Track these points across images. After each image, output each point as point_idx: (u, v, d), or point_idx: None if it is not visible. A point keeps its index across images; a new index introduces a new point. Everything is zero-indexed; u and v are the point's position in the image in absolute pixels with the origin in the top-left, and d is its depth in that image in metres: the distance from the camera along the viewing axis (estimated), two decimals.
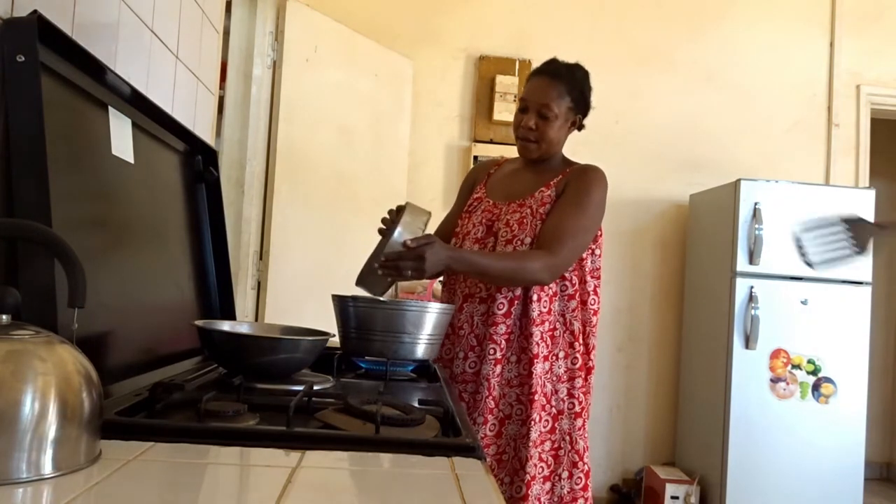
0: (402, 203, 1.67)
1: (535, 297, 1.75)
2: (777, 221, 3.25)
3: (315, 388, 1.12)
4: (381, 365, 1.53)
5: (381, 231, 1.69)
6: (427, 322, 1.53)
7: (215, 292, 1.72)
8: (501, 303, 1.75)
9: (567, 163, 1.89)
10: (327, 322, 1.60)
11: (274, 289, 2.99)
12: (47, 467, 0.66)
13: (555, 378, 1.77)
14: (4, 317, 0.71)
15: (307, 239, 3.09)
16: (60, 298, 0.90)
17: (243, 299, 2.92)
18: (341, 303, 1.56)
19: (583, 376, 1.79)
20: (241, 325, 1.46)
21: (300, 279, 3.03)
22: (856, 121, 3.90)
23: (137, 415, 0.94)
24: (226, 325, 1.39)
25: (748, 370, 3.23)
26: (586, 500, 1.76)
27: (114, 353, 1.14)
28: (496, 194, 1.89)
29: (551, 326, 1.77)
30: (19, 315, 0.74)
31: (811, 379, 3.25)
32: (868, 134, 3.91)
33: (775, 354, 3.25)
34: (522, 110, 1.82)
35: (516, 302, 1.75)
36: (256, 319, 2.97)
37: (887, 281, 4.88)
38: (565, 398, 1.77)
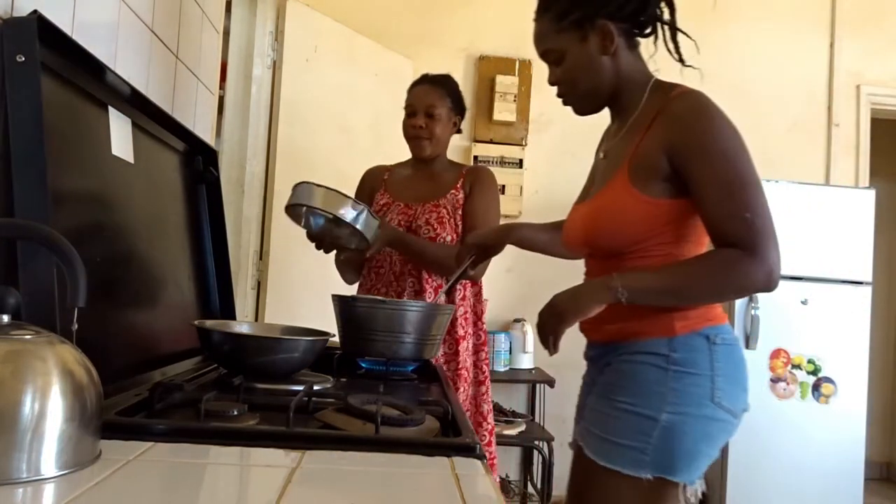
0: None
1: (457, 286, 1.97)
2: (777, 221, 3.24)
3: (315, 388, 1.13)
4: (381, 365, 1.53)
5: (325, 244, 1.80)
6: (427, 322, 1.53)
7: (215, 292, 1.72)
8: (430, 294, 1.95)
9: (456, 165, 2.12)
10: (327, 322, 1.60)
11: (274, 289, 2.99)
12: (47, 467, 0.67)
13: (469, 353, 2.02)
14: (4, 317, 0.71)
15: (307, 239, 3.08)
16: (60, 298, 0.90)
17: (243, 299, 2.92)
18: (341, 303, 1.56)
19: (485, 350, 2.08)
20: (241, 325, 1.46)
21: (300, 279, 3.03)
22: (856, 121, 3.90)
23: (137, 415, 0.94)
24: (226, 325, 1.39)
25: (748, 370, 3.23)
26: (490, 454, 1.98)
27: (114, 353, 1.14)
28: (404, 197, 2.04)
29: (465, 310, 2.00)
30: (19, 315, 0.74)
31: (811, 379, 3.25)
32: (868, 134, 3.91)
33: (775, 354, 3.25)
34: (411, 115, 2.02)
35: (440, 291, 1.96)
36: (256, 319, 2.97)
37: (887, 281, 4.88)
38: (471, 368, 2.03)
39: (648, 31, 1.31)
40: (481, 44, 3.69)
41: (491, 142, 3.66)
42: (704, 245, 1.25)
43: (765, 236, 1.16)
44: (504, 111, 3.61)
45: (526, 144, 3.68)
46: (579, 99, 1.33)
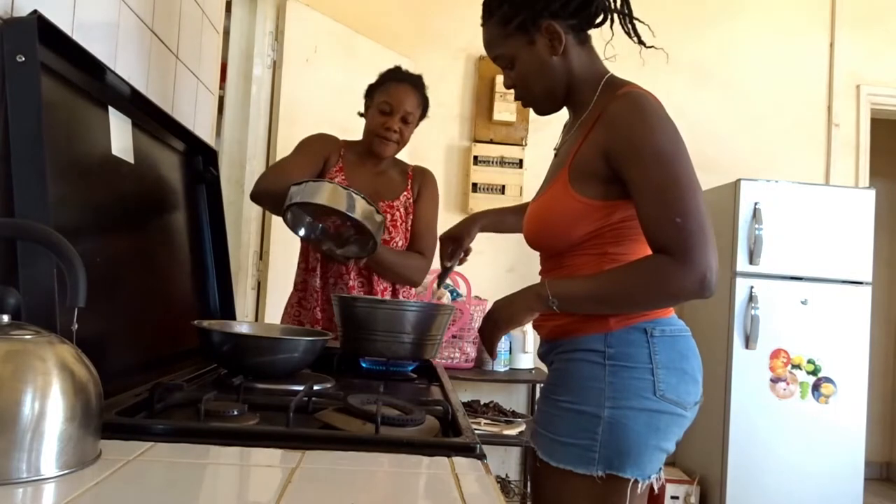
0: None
1: (413, 291, 2.05)
2: (777, 221, 3.25)
3: (315, 388, 1.13)
4: (381, 365, 1.53)
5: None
6: (427, 322, 1.53)
7: (215, 292, 1.72)
8: (378, 293, 1.95)
9: (400, 162, 2.08)
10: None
11: (274, 289, 2.99)
12: (47, 467, 0.66)
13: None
14: (4, 317, 0.71)
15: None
16: (60, 298, 0.90)
17: (243, 299, 2.92)
18: (342, 303, 1.56)
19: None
20: (241, 325, 1.46)
21: None
22: (856, 121, 3.90)
23: (137, 415, 0.94)
24: (226, 325, 1.39)
25: (748, 370, 3.23)
26: None
27: (114, 353, 1.14)
28: (357, 187, 1.94)
29: None
30: (19, 315, 0.74)
31: (811, 379, 3.25)
32: (868, 134, 3.91)
33: (775, 354, 3.25)
34: (386, 112, 1.95)
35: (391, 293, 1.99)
36: (256, 319, 2.97)
37: (887, 281, 4.88)
38: None
39: (599, 21, 1.29)
40: (481, 44, 3.67)
41: (491, 142, 3.66)
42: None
43: (697, 242, 1.11)
44: (504, 111, 3.61)
45: (526, 144, 3.67)
46: (537, 101, 1.33)
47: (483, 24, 1.32)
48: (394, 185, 2.02)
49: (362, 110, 2.06)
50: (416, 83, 2.01)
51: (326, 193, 1.64)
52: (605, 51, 1.31)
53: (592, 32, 1.31)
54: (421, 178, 2.06)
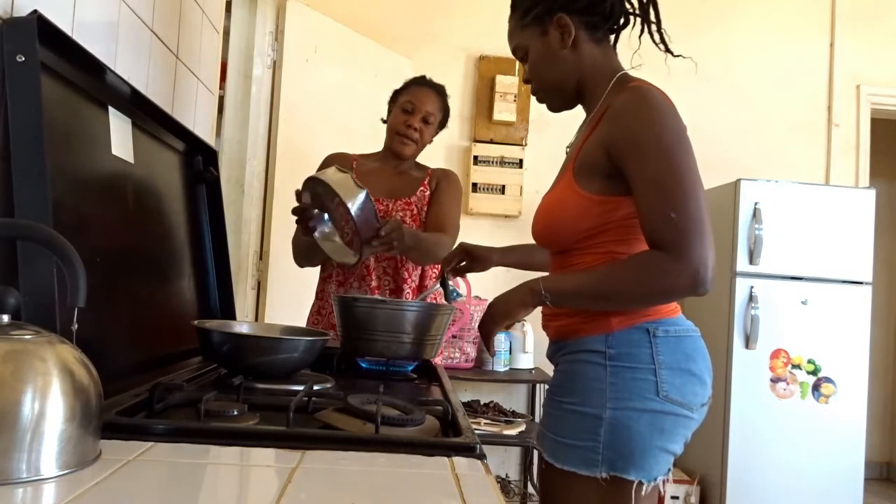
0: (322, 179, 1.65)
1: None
2: (777, 221, 3.25)
3: (315, 388, 1.13)
4: (381, 365, 1.53)
5: (303, 223, 1.76)
6: (427, 322, 1.53)
7: (215, 292, 1.72)
8: (408, 293, 1.96)
9: (422, 166, 2.13)
10: None
11: (274, 289, 2.99)
12: (47, 467, 0.66)
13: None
14: (4, 317, 0.71)
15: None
16: (60, 298, 0.90)
17: (243, 299, 2.92)
18: (341, 303, 1.56)
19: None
20: (241, 325, 1.46)
21: (300, 279, 3.03)
22: (856, 121, 3.90)
23: (137, 415, 0.94)
24: (226, 325, 1.39)
25: (748, 370, 3.23)
26: None
27: (114, 353, 1.14)
28: (376, 190, 1.97)
29: None
30: (19, 315, 0.74)
31: (811, 379, 3.25)
32: (868, 134, 3.91)
33: (775, 354, 3.24)
34: (408, 111, 2.01)
35: (417, 292, 2.00)
36: (256, 319, 2.97)
37: (887, 281, 4.88)
38: None
39: (620, 24, 1.30)
40: (481, 44, 3.68)
41: (491, 142, 3.66)
42: None
43: (690, 237, 1.09)
44: (504, 111, 3.61)
45: (526, 144, 3.67)
46: (547, 94, 1.34)
47: (509, 18, 1.35)
48: (410, 183, 2.04)
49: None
50: (438, 90, 2.07)
51: (330, 173, 1.64)
52: (632, 60, 1.31)
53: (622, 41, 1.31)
54: (440, 175, 2.08)
